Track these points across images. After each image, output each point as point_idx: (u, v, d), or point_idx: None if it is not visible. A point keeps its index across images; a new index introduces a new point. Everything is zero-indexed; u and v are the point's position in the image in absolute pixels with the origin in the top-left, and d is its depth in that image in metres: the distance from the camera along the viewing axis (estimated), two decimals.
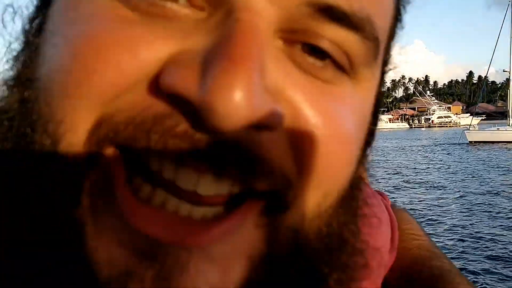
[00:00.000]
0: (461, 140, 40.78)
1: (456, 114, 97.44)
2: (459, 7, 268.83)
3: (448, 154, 31.83)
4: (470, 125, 44.53)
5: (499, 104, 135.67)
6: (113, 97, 0.40)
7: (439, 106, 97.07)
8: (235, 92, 0.38)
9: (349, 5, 0.45)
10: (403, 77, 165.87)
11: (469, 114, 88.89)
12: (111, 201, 0.43)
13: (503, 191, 14.41)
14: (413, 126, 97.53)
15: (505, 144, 37.85)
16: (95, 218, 0.43)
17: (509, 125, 43.01)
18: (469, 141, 40.24)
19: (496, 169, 21.15)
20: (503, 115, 42.58)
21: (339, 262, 0.53)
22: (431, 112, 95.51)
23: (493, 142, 39.21)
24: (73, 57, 0.41)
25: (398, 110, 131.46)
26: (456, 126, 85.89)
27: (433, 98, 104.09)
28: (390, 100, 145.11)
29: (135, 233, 0.42)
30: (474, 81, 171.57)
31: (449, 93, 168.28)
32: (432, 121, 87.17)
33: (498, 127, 44.75)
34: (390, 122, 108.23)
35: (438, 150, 34.90)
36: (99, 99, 0.40)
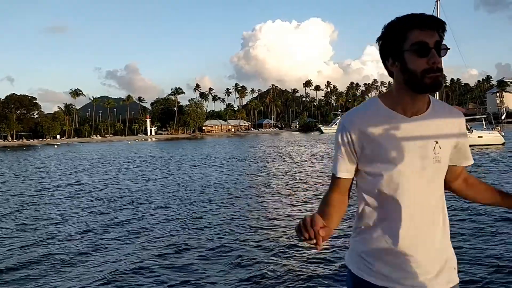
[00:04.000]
0: None
1: None
2: (445, 8, 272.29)
3: None
4: None
5: (470, 106, 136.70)
6: None
7: None
8: None
9: None
10: (375, 80, 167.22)
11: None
12: None
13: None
14: None
15: None
16: None
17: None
18: None
19: None
20: (473, 116, 42.20)
21: None
22: None
23: None
24: None
25: None
26: None
27: None
28: (358, 104, 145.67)
29: None
30: (447, 84, 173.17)
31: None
32: None
33: None
34: None
35: None
36: None
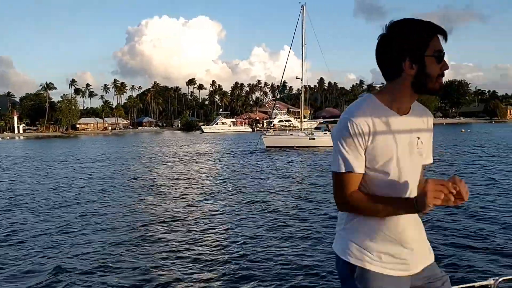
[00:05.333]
0: (259, 145, 41.00)
1: (295, 117, 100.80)
2: (326, 14, 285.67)
3: (238, 158, 31.73)
4: (305, 128, 45.32)
5: (345, 109, 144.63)
6: None
7: (280, 110, 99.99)
8: None
9: None
10: (259, 81, 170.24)
11: (307, 118, 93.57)
12: None
13: (278, 192, 15.94)
14: (255, 130, 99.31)
15: (299, 149, 38.55)
16: None
17: (301, 130, 43.85)
18: (266, 146, 40.51)
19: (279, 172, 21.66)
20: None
21: None
22: (273, 116, 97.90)
23: (288, 147, 39.71)
24: None
25: (250, 113, 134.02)
26: (294, 129, 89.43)
27: (275, 102, 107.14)
28: (240, 104, 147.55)
29: None
30: (326, 87, 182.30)
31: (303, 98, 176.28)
32: (274, 124, 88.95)
33: (291, 133, 45.86)
34: (233, 125, 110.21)
35: (232, 155, 34.57)
36: None
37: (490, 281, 2.20)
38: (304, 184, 18.11)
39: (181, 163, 29.10)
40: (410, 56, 1.66)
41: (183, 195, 15.89)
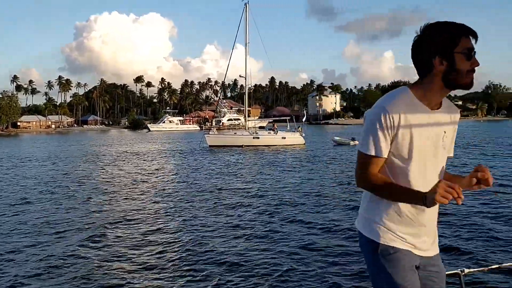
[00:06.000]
0: (202, 144, 40.51)
1: (244, 116, 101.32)
2: (280, 15, 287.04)
3: (178, 158, 31.37)
4: (252, 127, 44.78)
5: (295, 108, 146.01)
6: None
7: (229, 109, 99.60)
8: None
9: None
10: (209, 79, 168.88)
11: (257, 117, 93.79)
12: None
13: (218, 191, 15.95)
14: (203, 128, 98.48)
15: (240, 148, 38.32)
16: None
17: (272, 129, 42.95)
18: (210, 145, 40.04)
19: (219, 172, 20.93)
20: (293, 117, 43.12)
21: None
22: (223, 114, 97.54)
23: (231, 146, 39.39)
24: None
25: (199, 112, 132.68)
26: (243, 128, 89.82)
27: (224, 101, 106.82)
28: (190, 102, 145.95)
29: None
30: (276, 86, 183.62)
31: (254, 96, 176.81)
32: (223, 123, 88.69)
33: (235, 132, 45.57)
34: (182, 124, 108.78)
35: (172, 155, 33.93)
36: None
37: (457, 271, 2.41)
38: (243, 182, 18.07)
39: (114, 164, 28.09)
40: (440, 53, 1.83)
41: (107, 198, 15.28)
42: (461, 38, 1.82)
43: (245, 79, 43.42)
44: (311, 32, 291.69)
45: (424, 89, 1.90)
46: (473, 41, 1.84)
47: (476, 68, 1.84)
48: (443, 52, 1.82)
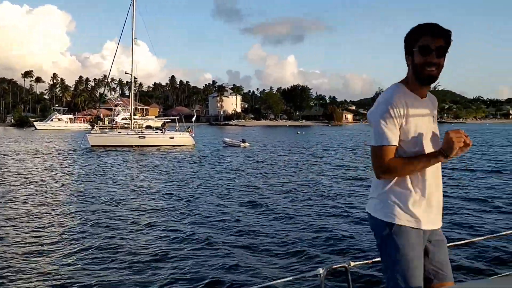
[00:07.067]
0: (83, 144, 37.65)
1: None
2: (185, 14, 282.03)
3: (54, 158, 28.92)
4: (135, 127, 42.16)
5: (197, 108, 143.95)
6: None
7: (123, 107, 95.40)
8: None
9: None
10: (104, 76, 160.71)
11: (154, 117, 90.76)
12: None
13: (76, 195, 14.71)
14: (95, 127, 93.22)
15: (126, 148, 36.14)
16: None
17: (131, 128, 41.33)
18: (92, 145, 37.36)
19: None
20: (182, 117, 41.28)
21: None
22: (116, 113, 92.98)
23: (117, 146, 36.97)
24: None
25: (93, 110, 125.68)
26: (138, 127, 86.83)
27: (118, 99, 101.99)
28: (83, 99, 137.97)
29: None
30: (177, 85, 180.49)
31: (153, 95, 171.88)
32: (116, 122, 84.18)
33: (119, 131, 43.13)
34: (72, 122, 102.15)
35: (48, 155, 30.78)
36: None
37: (320, 271, 2.46)
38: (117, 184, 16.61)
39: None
40: (407, 51, 2.22)
41: None
42: (422, 37, 2.13)
43: (131, 75, 41.08)
44: (217, 33, 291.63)
45: (409, 83, 2.24)
46: (436, 39, 2.12)
47: (442, 64, 2.16)
48: (409, 50, 2.20)
